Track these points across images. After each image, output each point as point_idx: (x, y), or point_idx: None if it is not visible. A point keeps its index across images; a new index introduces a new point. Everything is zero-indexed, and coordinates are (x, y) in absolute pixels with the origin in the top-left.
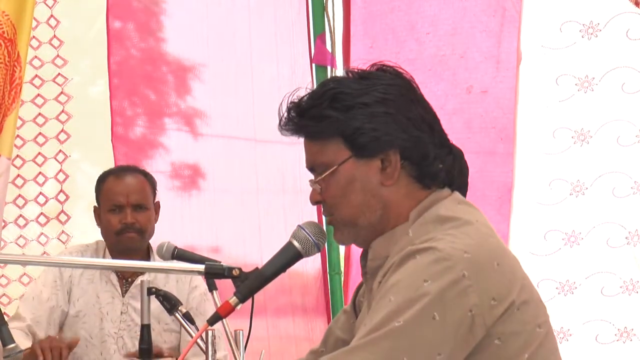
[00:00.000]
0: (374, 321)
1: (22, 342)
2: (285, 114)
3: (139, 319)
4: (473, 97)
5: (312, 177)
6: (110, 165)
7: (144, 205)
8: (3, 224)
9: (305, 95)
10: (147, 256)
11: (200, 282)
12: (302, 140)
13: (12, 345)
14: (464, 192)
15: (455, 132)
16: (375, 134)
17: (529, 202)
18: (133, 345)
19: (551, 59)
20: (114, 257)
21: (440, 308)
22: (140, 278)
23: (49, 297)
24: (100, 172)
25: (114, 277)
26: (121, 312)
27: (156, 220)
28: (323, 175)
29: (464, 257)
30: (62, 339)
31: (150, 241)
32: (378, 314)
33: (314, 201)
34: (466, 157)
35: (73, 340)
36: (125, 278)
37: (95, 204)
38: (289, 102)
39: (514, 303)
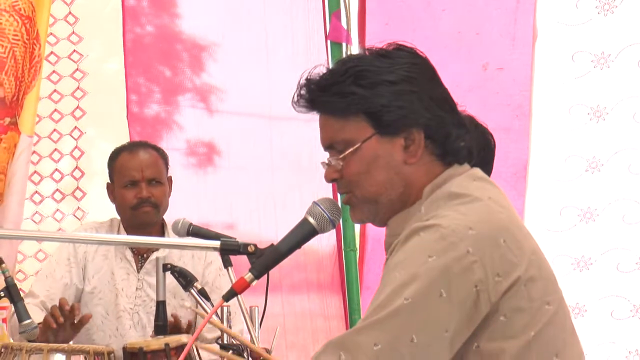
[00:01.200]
0: (380, 299)
1: (37, 317)
2: (303, 90)
3: (154, 294)
4: (489, 75)
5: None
6: (126, 141)
7: (159, 180)
8: None
9: (325, 72)
10: (161, 232)
11: (216, 257)
12: (317, 117)
13: (28, 321)
14: (489, 167)
15: (470, 109)
16: (401, 112)
17: (545, 179)
18: (148, 320)
19: (567, 35)
20: (128, 233)
21: (445, 284)
22: (155, 254)
23: (62, 275)
24: (112, 151)
25: (128, 254)
26: (136, 288)
27: (169, 194)
28: (345, 153)
29: (469, 234)
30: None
31: (165, 217)
32: (384, 291)
33: (330, 179)
34: None
35: (85, 316)
36: (141, 254)
37: (108, 181)
38: (306, 78)
39: (519, 279)
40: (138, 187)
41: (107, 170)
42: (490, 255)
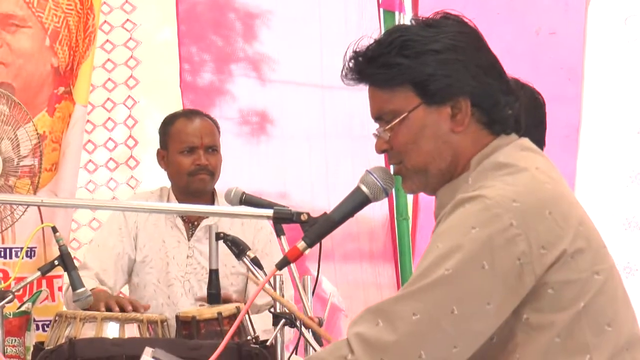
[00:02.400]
0: (422, 268)
1: (90, 286)
2: (351, 63)
3: (205, 262)
4: (541, 40)
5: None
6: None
7: (215, 147)
8: None
9: (371, 43)
10: (211, 200)
11: (265, 224)
12: (365, 88)
13: (81, 290)
14: (542, 127)
15: (523, 74)
16: (447, 80)
17: (596, 141)
18: (200, 287)
19: None
20: (179, 201)
21: (488, 256)
22: (205, 222)
23: (114, 245)
24: (165, 117)
25: (179, 222)
26: (187, 256)
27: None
28: (392, 123)
29: (513, 206)
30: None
31: (215, 186)
32: (426, 261)
33: (380, 150)
34: None
35: (145, 306)
36: (191, 222)
37: (159, 148)
38: (354, 50)
39: (566, 251)
40: (196, 153)
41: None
42: (534, 227)
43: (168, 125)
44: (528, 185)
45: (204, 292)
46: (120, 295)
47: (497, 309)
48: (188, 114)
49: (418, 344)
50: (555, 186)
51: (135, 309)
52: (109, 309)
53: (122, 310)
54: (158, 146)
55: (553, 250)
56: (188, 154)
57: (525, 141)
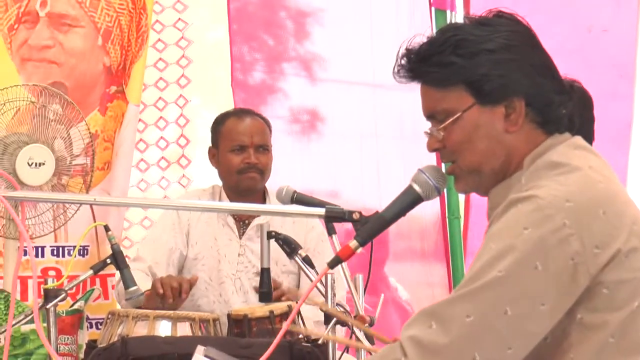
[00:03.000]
0: (474, 270)
1: (143, 283)
2: (404, 61)
3: (256, 260)
4: (593, 36)
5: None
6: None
7: (266, 146)
8: None
9: (424, 42)
10: (262, 199)
11: (317, 223)
12: (417, 87)
13: (134, 288)
14: (590, 126)
15: (574, 72)
16: (501, 80)
17: None
18: (250, 286)
19: None
20: (231, 199)
21: (541, 257)
22: (256, 220)
23: (167, 240)
24: (217, 116)
25: (230, 220)
26: (238, 254)
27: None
28: (446, 123)
29: (566, 206)
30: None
31: (266, 185)
32: (478, 262)
33: (432, 148)
34: None
35: (193, 278)
36: (242, 220)
37: (210, 146)
38: (406, 48)
39: (620, 251)
40: (246, 152)
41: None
42: (588, 227)
43: (219, 124)
44: (581, 184)
45: (253, 290)
46: None
47: (551, 309)
48: (239, 112)
49: (472, 346)
50: (608, 185)
51: (181, 285)
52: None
53: (170, 287)
54: (210, 145)
55: (607, 250)
56: (238, 153)
57: (579, 140)
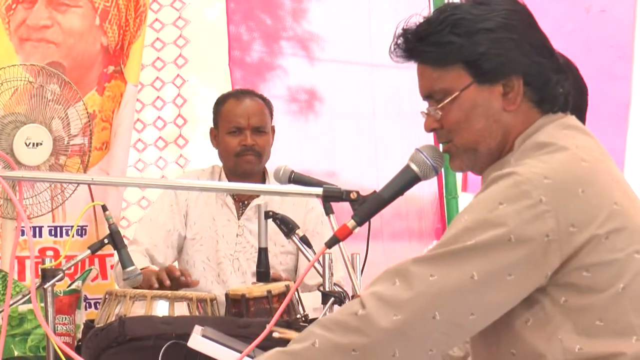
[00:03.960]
0: (446, 237)
1: (141, 264)
2: (400, 40)
3: (255, 241)
4: (592, 17)
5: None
6: (228, 89)
7: (263, 129)
8: None
9: (422, 22)
10: (262, 180)
11: (316, 204)
12: (413, 66)
13: (131, 268)
14: (583, 109)
15: (572, 52)
16: (500, 59)
17: None
18: (248, 266)
19: None
20: (230, 180)
21: (515, 231)
22: (255, 201)
23: (165, 221)
24: (218, 96)
25: (229, 200)
26: (237, 235)
27: (271, 144)
28: (443, 102)
29: (544, 183)
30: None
31: (266, 165)
32: (450, 231)
33: (430, 128)
34: (584, 75)
35: (194, 282)
36: (242, 201)
37: (212, 126)
38: (403, 28)
39: (599, 231)
40: (243, 134)
41: (210, 118)
42: (565, 205)
43: (219, 105)
44: (563, 162)
45: (252, 270)
46: None
47: (518, 281)
48: (239, 94)
49: (433, 304)
50: (593, 164)
51: (185, 277)
52: (160, 282)
53: (172, 277)
54: (207, 125)
55: (584, 230)
56: (235, 135)
57: (570, 119)
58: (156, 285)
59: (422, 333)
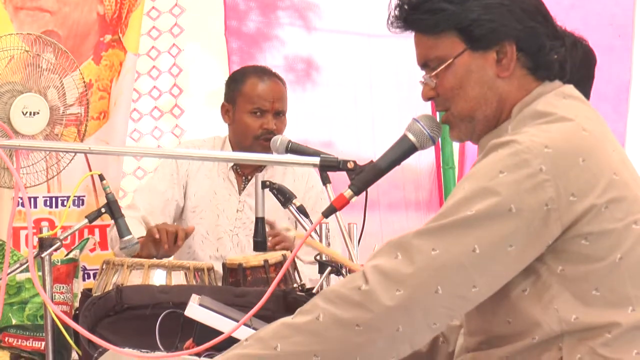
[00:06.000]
0: (446, 207)
1: (137, 230)
2: (396, 11)
3: (254, 216)
4: None
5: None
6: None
7: (284, 113)
8: None
9: None
10: None
11: (317, 181)
12: (411, 35)
13: (128, 237)
14: (589, 85)
15: (571, 28)
16: (492, 25)
17: None
18: (248, 242)
19: None
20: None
21: (515, 200)
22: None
23: (165, 190)
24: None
25: (232, 175)
26: (237, 210)
27: None
28: (438, 70)
29: (544, 152)
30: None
31: None
32: (451, 200)
33: (427, 97)
34: None
35: (189, 228)
36: (245, 175)
37: (225, 102)
38: None
39: (598, 200)
40: (265, 117)
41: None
42: (565, 174)
43: (238, 82)
44: (564, 132)
45: (251, 245)
46: None
47: (518, 252)
48: (260, 73)
49: (435, 278)
50: (594, 134)
51: (177, 231)
52: (155, 242)
53: (166, 232)
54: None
55: (583, 199)
56: (257, 117)
57: (569, 88)
58: (154, 253)
59: (425, 308)
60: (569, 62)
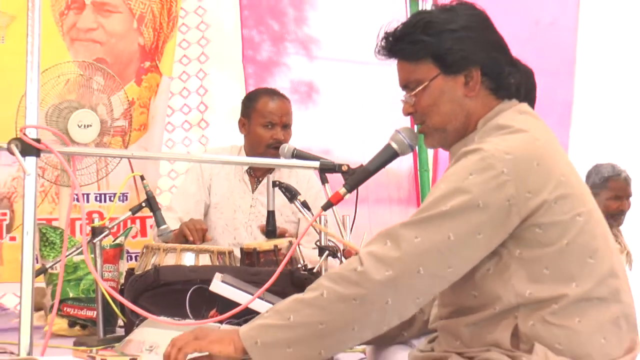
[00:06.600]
0: (426, 203)
1: (174, 227)
2: (383, 42)
3: (265, 211)
4: (541, 28)
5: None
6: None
7: (290, 125)
8: None
9: (399, 25)
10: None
11: (315, 182)
12: (394, 63)
13: (164, 226)
14: (532, 104)
15: (525, 58)
16: (461, 54)
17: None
18: (259, 232)
19: None
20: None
21: (483, 197)
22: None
23: (194, 193)
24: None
25: (246, 177)
26: (250, 206)
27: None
28: (416, 90)
29: (505, 158)
30: (204, 222)
31: None
32: (430, 197)
33: (407, 112)
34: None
35: (208, 237)
36: (257, 177)
37: (242, 117)
38: (385, 32)
39: (549, 197)
40: (274, 129)
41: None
42: (523, 176)
43: (252, 101)
44: (520, 141)
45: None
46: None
47: (486, 239)
48: (271, 93)
49: (418, 261)
50: (544, 144)
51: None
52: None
53: (195, 230)
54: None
55: (538, 196)
56: (268, 129)
57: (524, 106)
58: (191, 237)
59: (410, 285)
60: (523, 85)
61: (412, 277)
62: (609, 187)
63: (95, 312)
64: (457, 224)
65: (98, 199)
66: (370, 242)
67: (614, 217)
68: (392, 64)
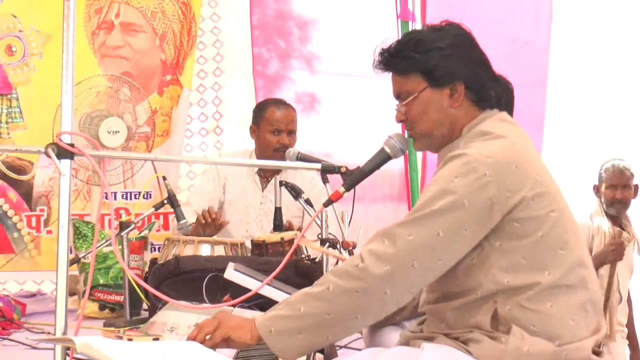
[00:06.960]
0: (418, 204)
1: (191, 219)
2: (379, 57)
3: (274, 207)
4: (517, 47)
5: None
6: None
7: (294, 131)
8: None
9: (393, 43)
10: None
11: (317, 182)
12: (389, 76)
13: (183, 221)
14: (511, 113)
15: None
16: (447, 69)
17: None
18: (269, 226)
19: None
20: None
21: (467, 197)
22: (275, 178)
23: (210, 191)
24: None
25: (257, 177)
26: (260, 203)
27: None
28: (407, 100)
29: (487, 161)
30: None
31: None
32: (421, 199)
33: (399, 120)
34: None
35: (224, 222)
36: (266, 177)
37: (252, 124)
38: (381, 48)
39: (527, 195)
40: (280, 135)
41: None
42: (503, 177)
43: (262, 110)
44: (501, 146)
45: (272, 229)
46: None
47: (471, 234)
48: (277, 102)
49: (412, 256)
50: (522, 148)
51: (218, 215)
52: (202, 225)
53: (210, 215)
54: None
55: (516, 194)
56: (275, 135)
57: (504, 115)
58: (203, 221)
59: (405, 277)
60: (503, 96)
61: (408, 270)
62: (604, 178)
63: (122, 297)
64: (446, 222)
65: (125, 197)
66: (369, 240)
67: (614, 206)
68: (385, 77)
